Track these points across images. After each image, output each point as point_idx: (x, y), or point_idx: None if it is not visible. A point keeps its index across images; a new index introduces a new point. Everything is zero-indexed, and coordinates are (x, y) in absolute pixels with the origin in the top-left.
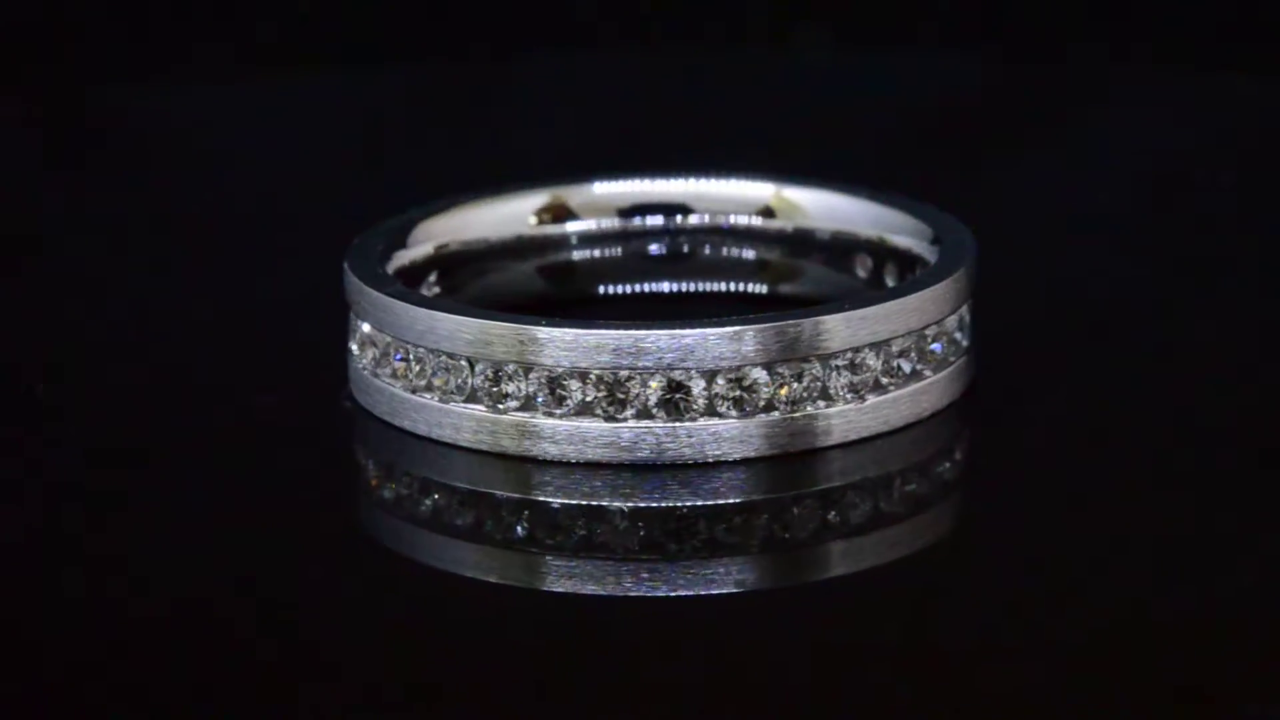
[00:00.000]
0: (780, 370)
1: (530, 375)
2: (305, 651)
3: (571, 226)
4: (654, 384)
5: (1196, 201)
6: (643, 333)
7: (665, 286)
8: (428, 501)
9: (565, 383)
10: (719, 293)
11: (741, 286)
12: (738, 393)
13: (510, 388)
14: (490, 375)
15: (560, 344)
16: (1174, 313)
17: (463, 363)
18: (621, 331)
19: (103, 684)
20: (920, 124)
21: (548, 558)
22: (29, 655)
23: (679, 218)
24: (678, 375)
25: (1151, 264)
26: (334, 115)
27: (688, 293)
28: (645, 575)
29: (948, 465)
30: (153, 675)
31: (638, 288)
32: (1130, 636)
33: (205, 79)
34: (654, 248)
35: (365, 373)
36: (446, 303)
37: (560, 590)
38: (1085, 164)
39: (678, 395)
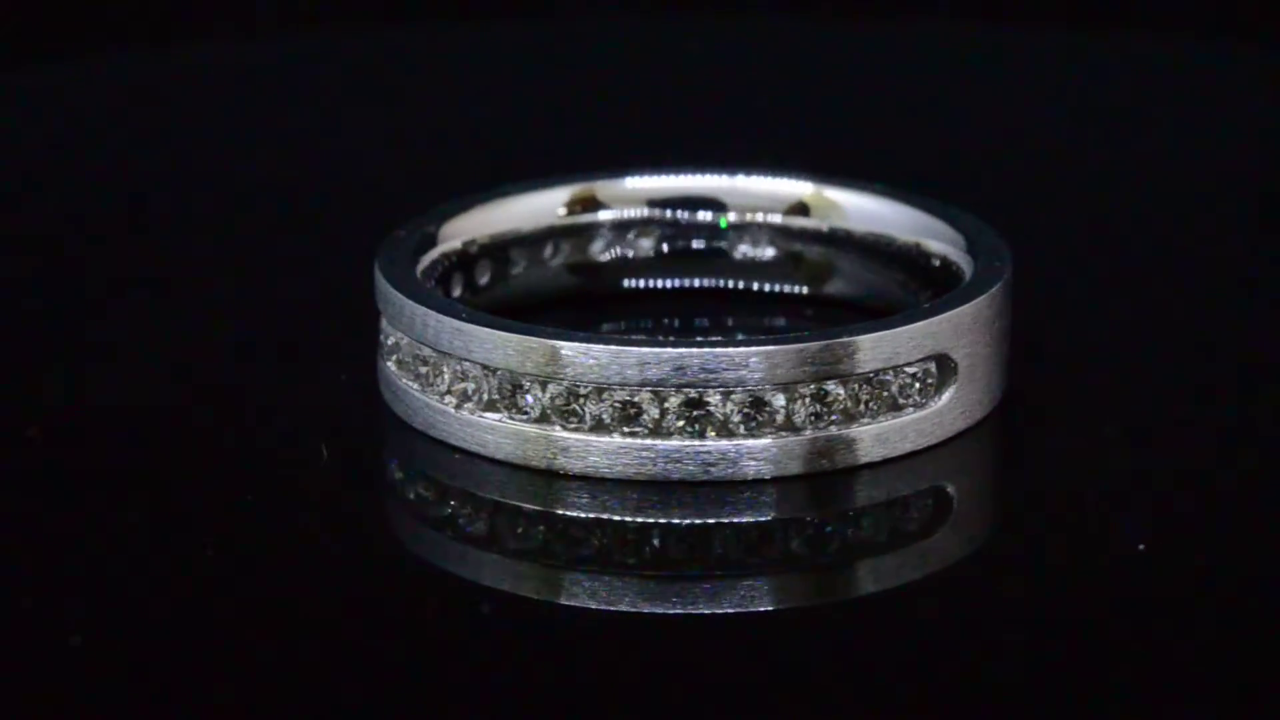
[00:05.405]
0: (812, 388)
1: (557, 389)
2: (308, 653)
3: (604, 217)
4: (684, 401)
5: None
6: (676, 350)
7: (697, 283)
8: (448, 510)
9: (594, 397)
10: (752, 291)
11: (775, 286)
12: (768, 410)
13: (535, 401)
14: (516, 387)
15: (588, 360)
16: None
17: (490, 374)
18: (652, 349)
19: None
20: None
21: (570, 573)
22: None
23: (712, 213)
24: (709, 392)
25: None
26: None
27: (720, 289)
28: (668, 593)
29: (977, 482)
30: (144, 677)
31: (668, 284)
32: (1159, 655)
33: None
34: (686, 243)
35: (393, 376)
36: (474, 313)
37: (580, 605)
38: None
39: (707, 412)
